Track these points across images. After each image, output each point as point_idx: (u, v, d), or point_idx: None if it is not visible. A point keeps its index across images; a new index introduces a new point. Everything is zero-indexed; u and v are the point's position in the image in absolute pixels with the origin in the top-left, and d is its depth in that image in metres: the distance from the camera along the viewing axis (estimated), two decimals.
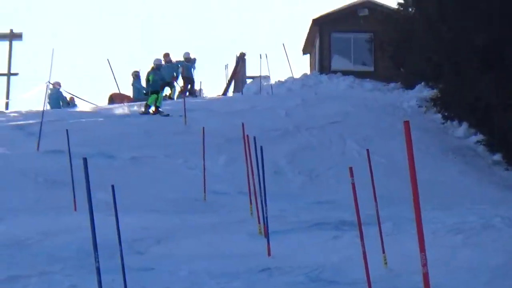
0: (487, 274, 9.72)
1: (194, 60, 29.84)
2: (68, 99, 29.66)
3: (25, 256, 11.17)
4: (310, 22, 33.20)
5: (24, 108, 26.74)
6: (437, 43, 21.66)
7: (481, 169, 19.96)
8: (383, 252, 10.02)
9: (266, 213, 11.39)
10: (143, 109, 24.36)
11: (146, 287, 9.55)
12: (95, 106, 28.42)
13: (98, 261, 7.32)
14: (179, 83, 29.38)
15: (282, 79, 32.72)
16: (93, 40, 74.12)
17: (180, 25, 75.58)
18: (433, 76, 24.59)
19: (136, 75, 29.33)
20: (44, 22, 73.60)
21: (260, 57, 31.29)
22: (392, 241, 10.73)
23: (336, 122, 22.67)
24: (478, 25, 19.44)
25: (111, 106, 27.47)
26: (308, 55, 37.44)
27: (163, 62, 26.52)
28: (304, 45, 36.43)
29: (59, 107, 28.00)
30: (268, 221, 11.36)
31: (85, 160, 7.46)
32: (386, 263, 10.00)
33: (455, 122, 23.26)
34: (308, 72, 34.59)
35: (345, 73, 31.62)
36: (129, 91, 30.25)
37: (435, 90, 25.22)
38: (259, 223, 12.29)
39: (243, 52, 34.17)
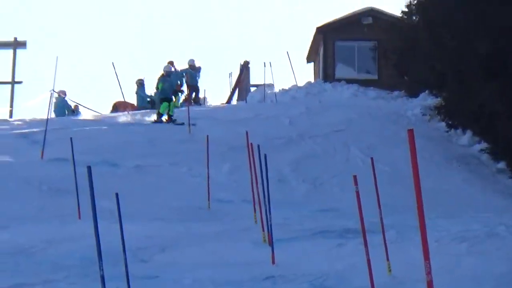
0: (491, 282, 9.71)
1: (199, 68, 29.86)
2: (72, 107, 29.75)
3: (29, 264, 11.17)
4: (314, 30, 33.22)
5: (28, 116, 26.75)
6: (441, 51, 21.66)
7: (485, 177, 19.95)
8: (387, 260, 10.01)
9: (270, 221, 11.38)
10: (155, 118, 24.30)
11: None
12: (99, 114, 28.45)
13: (102, 269, 7.33)
14: (185, 91, 29.37)
15: (286, 87, 32.73)
16: (97, 47, 74.27)
17: (185, 33, 75.68)
18: (437, 84, 24.57)
19: (140, 83, 29.28)
20: (48, 30, 73.79)
21: (264, 65, 31.41)
22: (396, 249, 10.72)
23: (340, 130, 22.67)
24: (482, 34, 19.44)
25: (114, 114, 27.49)
26: (312, 63, 37.47)
27: (173, 69, 26.47)
28: (308, 53, 36.44)
29: (64, 116, 28.05)
30: (272, 229, 11.35)
31: (89, 168, 7.47)
32: (390, 271, 9.99)
33: (459, 130, 23.26)
34: (312, 80, 34.62)
35: (349, 81, 31.62)
36: (133, 99, 30.31)
37: (439, 99, 25.21)
38: (263, 231, 12.26)
39: (247, 60, 34.22)
